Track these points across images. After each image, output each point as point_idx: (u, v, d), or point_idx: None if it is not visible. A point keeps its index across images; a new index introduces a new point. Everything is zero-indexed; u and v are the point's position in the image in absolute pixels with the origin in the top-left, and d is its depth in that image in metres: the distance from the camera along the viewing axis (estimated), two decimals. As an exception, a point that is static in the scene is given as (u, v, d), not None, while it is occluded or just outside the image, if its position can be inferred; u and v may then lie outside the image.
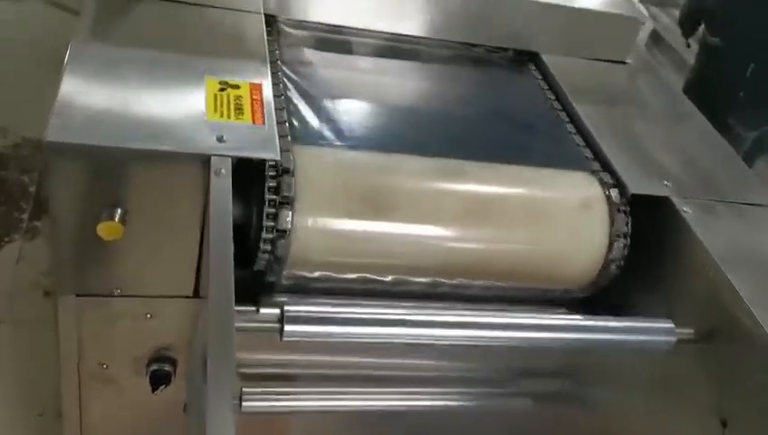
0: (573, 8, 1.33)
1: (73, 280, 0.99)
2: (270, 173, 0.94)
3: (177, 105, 0.97)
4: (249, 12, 1.20)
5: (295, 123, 1.06)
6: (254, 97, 1.01)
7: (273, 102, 1.02)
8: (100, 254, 0.96)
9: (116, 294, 1.02)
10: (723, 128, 1.40)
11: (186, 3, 1.18)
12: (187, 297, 1.04)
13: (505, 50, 1.35)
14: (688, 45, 2.46)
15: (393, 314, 0.87)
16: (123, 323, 1.06)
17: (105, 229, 0.91)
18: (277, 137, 0.95)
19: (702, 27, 2.31)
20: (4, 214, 2.59)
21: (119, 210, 0.92)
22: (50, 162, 0.87)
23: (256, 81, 1.04)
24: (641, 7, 1.53)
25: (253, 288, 1.02)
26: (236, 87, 1.02)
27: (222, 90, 1.01)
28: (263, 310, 0.97)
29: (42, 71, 3.43)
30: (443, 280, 1.04)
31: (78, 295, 1.01)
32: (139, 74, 1.00)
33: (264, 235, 0.94)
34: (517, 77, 1.34)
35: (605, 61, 1.38)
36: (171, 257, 1.00)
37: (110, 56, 1.02)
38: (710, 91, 2.14)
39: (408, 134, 1.16)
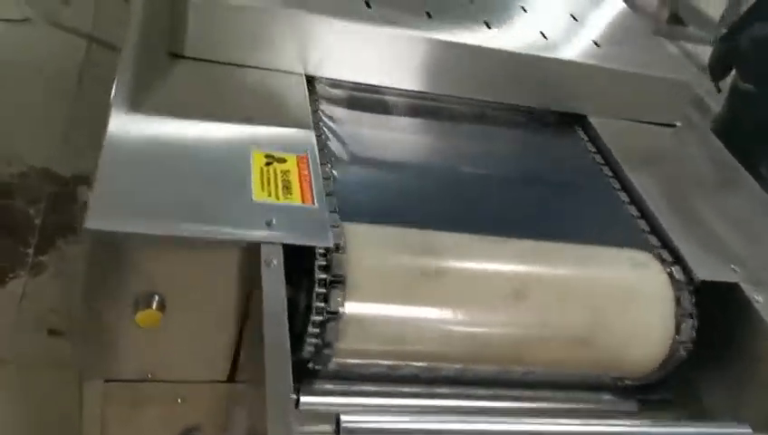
0: (623, 71, 1.27)
1: (103, 366, 0.92)
2: (320, 251, 0.87)
3: (222, 182, 0.90)
4: (290, 73, 1.14)
5: (341, 194, 1.00)
6: (302, 172, 0.95)
7: (321, 176, 0.96)
8: (134, 340, 0.89)
9: (147, 378, 0.95)
10: (753, 176, 1.35)
11: (225, 63, 1.12)
12: (222, 382, 0.98)
13: (551, 112, 1.29)
14: (719, 90, 2.41)
15: (462, 423, 0.80)
16: (152, 406, 0.99)
17: (143, 318, 0.85)
18: (329, 220, 0.89)
19: (733, 72, 2.27)
20: (8, 248, 2.52)
21: (156, 297, 0.85)
22: (90, 249, 0.80)
23: (303, 153, 0.98)
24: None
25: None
26: (283, 161, 0.96)
27: (268, 164, 0.94)
28: (305, 399, 0.92)
29: (47, 96, 3.38)
30: (503, 367, 0.98)
31: (107, 381, 0.94)
32: (180, 148, 0.94)
33: (313, 317, 0.87)
34: (564, 141, 1.28)
35: (654, 124, 1.33)
36: (208, 343, 0.93)
37: (151, 127, 0.96)
38: (740, 138, 2.09)
39: (455, 202, 1.10)
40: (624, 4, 1.53)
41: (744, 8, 5.34)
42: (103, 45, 3.75)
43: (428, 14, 1.23)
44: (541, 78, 1.25)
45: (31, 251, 2.56)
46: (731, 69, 2.28)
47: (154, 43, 1.12)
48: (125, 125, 0.95)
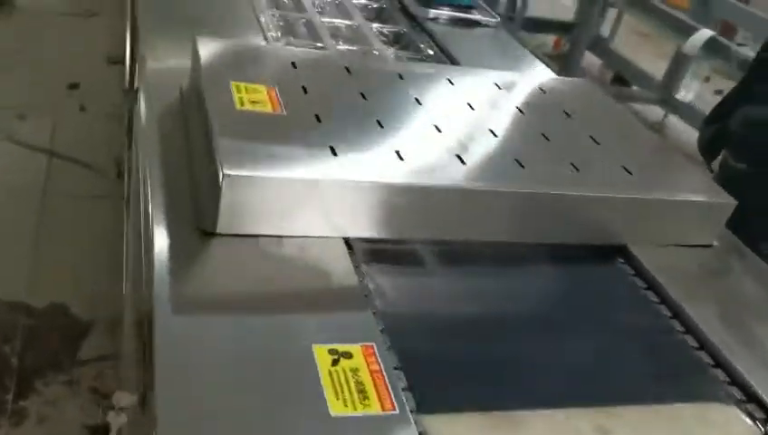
0: (662, 200, 1.23)
1: None
2: None
3: (291, 394, 0.81)
4: (328, 238, 1.08)
5: (409, 368, 0.92)
6: (372, 367, 0.87)
7: (392, 368, 0.88)
8: None
9: None
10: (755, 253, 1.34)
11: (260, 236, 1.04)
12: None
13: (591, 246, 1.25)
14: (711, 171, 2.42)
15: None
16: None
17: None
18: (415, 430, 0.81)
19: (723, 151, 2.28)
20: (-16, 395, 2.35)
21: None
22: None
23: (368, 342, 0.90)
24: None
25: None
26: (349, 355, 0.87)
27: (335, 362, 0.86)
28: None
29: (10, 217, 3.23)
30: None
31: None
32: (237, 353, 0.85)
33: None
34: (610, 276, 1.23)
35: (693, 246, 1.29)
36: None
37: (200, 329, 0.87)
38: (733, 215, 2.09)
39: (516, 357, 1.04)
40: (639, 122, 1.52)
41: (689, 69, 5.55)
42: (64, 159, 3.64)
43: (461, 159, 1.18)
44: (580, 215, 1.20)
45: (10, 397, 2.39)
46: (721, 150, 2.30)
47: (180, 222, 1.04)
48: (173, 331, 0.86)
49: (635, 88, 6.39)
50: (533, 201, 1.17)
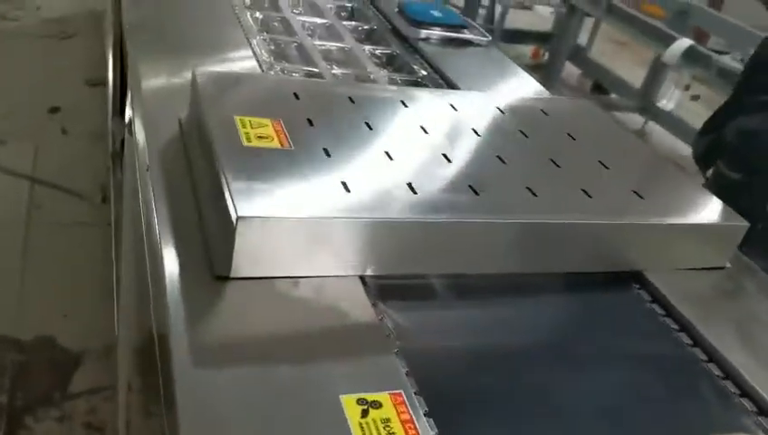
0: (678, 224, 1.22)
1: None
2: None
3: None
4: (345, 276, 1.05)
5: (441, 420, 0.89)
6: (403, 416, 0.84)
7: (422, 415, 0.85)
8: None
9: None
10: None
11: (275, 278, 1.01)
12: None
13: (607, 273, 1.23)
14: (707, 179, 2.44)
15: None
16: None
17: None
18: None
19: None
20: (-26, 437, 2.28)
21: None
22: None
23: (395, 386, 0.88)
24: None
25: None
26: (379, 405, 0.85)
27: (364, 413, 0.83)
28: None
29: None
30: None
31: None
32: (263, 407, 0.82)
33: None
34: (630, 305, 1.21)
35: (707, 269, 1.28)
36: None
37: (222, 383, 0.84)
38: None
39: (548, 403, 1.00)
40: (642, 142, 1.51)
41: (669, 78, 5.60)
42: (47, 186, 3.57)
43: (473, 190, 1.16)
44: (596, 243, 1.19)
45: (0, 436, 2.32)
46: (716, 159, 2.32)
47: (191, 266, 1.01)
48: (195, 386, 0.83)
49: (613, 96, 6.44)
50: (549, 231, 1.15)
